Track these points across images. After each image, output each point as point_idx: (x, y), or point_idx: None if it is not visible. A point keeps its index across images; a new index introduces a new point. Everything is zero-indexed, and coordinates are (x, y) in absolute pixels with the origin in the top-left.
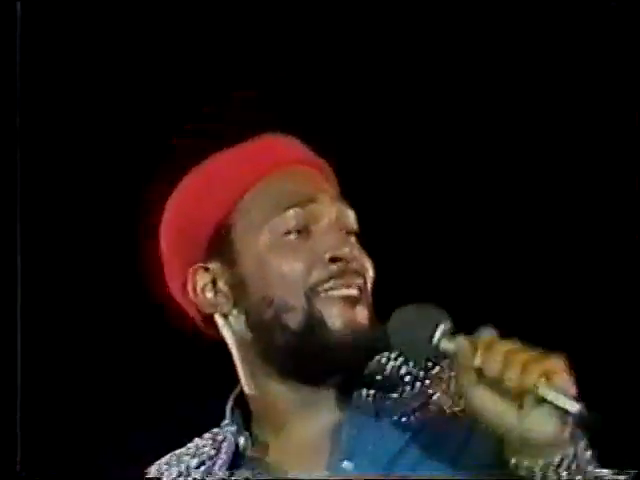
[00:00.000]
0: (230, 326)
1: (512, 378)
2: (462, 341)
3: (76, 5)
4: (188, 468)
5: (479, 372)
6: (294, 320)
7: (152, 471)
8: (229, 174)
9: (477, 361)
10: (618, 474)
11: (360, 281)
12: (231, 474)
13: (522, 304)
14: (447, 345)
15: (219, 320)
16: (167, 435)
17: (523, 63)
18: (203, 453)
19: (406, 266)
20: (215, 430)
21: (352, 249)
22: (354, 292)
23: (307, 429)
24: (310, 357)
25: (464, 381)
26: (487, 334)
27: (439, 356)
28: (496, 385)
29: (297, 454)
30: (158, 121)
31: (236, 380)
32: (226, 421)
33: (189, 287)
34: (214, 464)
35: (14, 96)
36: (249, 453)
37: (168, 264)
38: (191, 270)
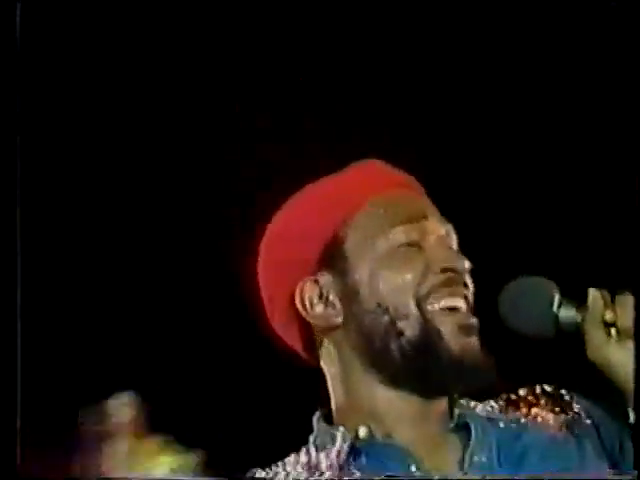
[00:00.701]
0: (335, 340)
1: None
2: (596, 295)
3: (76, 5)
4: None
5: (609, 326)
6: (410, 328)
7: None
8: (340, 193)
9: (610, 315)
10: (620, 474)
11: (466, 292)
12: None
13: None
14: (569, 313)
15: (323, 337)
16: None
17: (523, 63)
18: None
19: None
20: (303, 449)
21: (463, 263)
22: (459, 302)
23: (417, 436)
24: (424, 370)
25: (597, 337)
26: (603, 293)
27: (558, 326)
28: (629, 338)
29: (420, 445)
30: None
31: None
32: (314, 434)
33: (297, 301)
34: (327, 456)
35: (14, 96)
36: (379, 438)
37: (271, 283)
38: (301, 284)
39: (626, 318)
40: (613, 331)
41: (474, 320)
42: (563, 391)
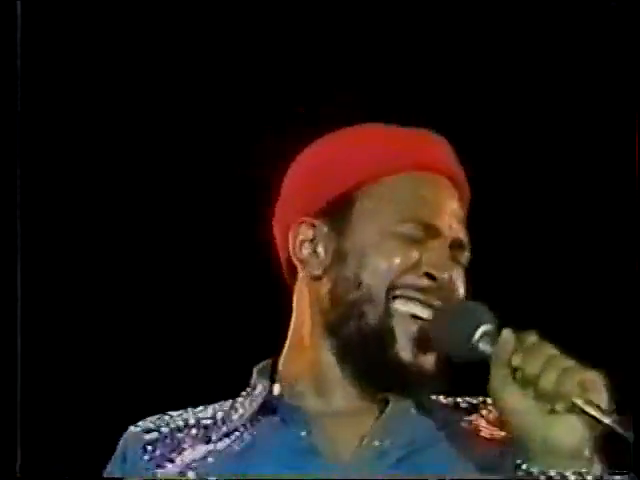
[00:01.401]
0: (310, 287)
1: (549, 381)
2: (508, 335)
3: (76, 5)
4: (198, 420)
5: (515, 371)
6: (372, 314)
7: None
8: (382, 149)
9: (517, 360)
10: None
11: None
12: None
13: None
14: (486, 347)
15: (302, 277)
16: None
17: (523, 63)
18: (222, 407)
19: None
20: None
21: (453, 278)
22: (426, 314)
23: (351, 404)
24: (368, 361)
25: (499, 377)
26: (531, 336)
27: (477, 356)
28: (530, 386)
29: (336, 419)
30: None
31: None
32: (253, 379)
33: (290, 235)
34: (235, 411)
35: (15, 96)
36: (286, 400)
37: (280, 214)
38: (298, 222)
39: (534, 366)
40: (518, 376)
41: None
42: None
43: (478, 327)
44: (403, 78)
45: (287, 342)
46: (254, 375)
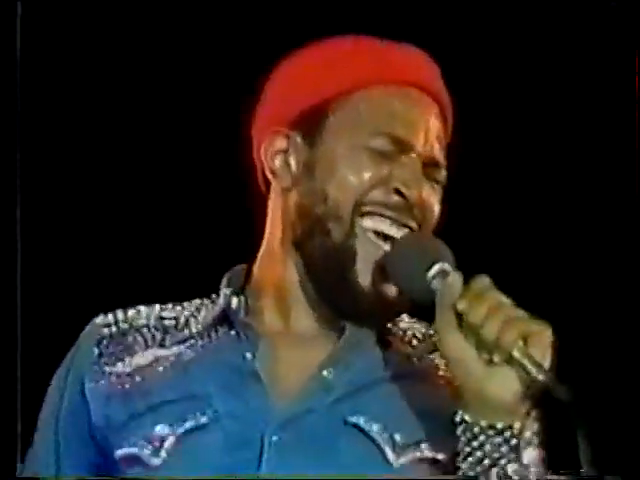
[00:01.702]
0: (282, 199)
1: (491, 331)
2: (456, 279)
3: (76, 5)
4: (161, 319)
5: (460, 316)
6: (336, 232)
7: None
8: (357, 61)
9: (462, 304)
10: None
11: (414, 226)
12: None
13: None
14: (438, 285)
15: (274, 187)
16: None
17: (522, 63)
18: (190, 307)
19: None
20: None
21: (424, 197)
22: (394, 232)
23: (309, 328)
24: (327, 282)
25: (443, 321)
26: (481, 282)
27: (431, 296)
28: (472, 333)
29: (290, 342)
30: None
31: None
32: (222, 286)
33: (263, 145)
34: (198, 315)
35: (14, 96)
36: (241, 317)
37: (259, 120)
38: (273, 130)
39: (477, 314)
40: (462, 323)
41: None
42: None
43: (434, 264)
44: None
45: (260, 250)
46: (224, 280)
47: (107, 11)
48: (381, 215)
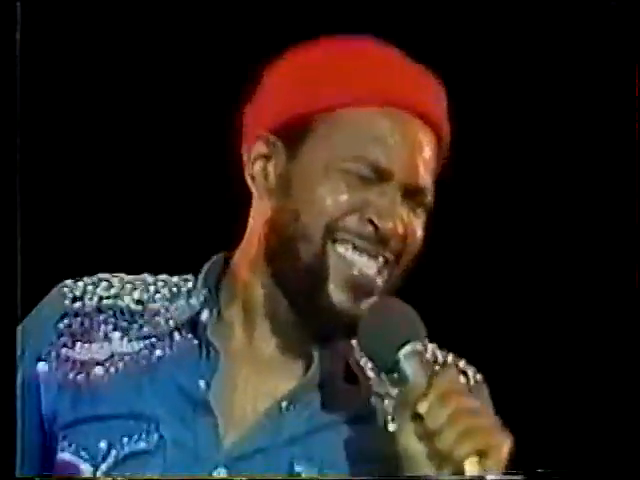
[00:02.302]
0: (260, 204)
1: (446, 441)
2: (419, 377)
3: (76, 5)
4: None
5: (418, 416)
6: (306, 254)
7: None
8: (352, 77)
9: (422, 407)
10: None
11: (389, 257)
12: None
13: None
14: (407, 368)
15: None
16: None
17: (522, 63)
18: (166, 289)
19: None
20: (189, 282)
21: (400, 229)
22: (365, 262)
23: (276, 346)
24: (306, 308)
25: (400, 415)
26: (447, 380)
27: (398, 371)
28: (428, 439)
29: (252, 366)
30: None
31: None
32: (199, 282)
33: (248, 146)
34: (165, 310)
35: (14, 96)
36: (208, 334)
37: (253, 110)
38: (258, 134)
39: (435, 421)
40: (419, 423)
41: (375, 284)
42: None
43: (407, 343)
44: None
45: (240, 244)
46: (202, 272)
47: (107, 11)
48: (354, 244)
